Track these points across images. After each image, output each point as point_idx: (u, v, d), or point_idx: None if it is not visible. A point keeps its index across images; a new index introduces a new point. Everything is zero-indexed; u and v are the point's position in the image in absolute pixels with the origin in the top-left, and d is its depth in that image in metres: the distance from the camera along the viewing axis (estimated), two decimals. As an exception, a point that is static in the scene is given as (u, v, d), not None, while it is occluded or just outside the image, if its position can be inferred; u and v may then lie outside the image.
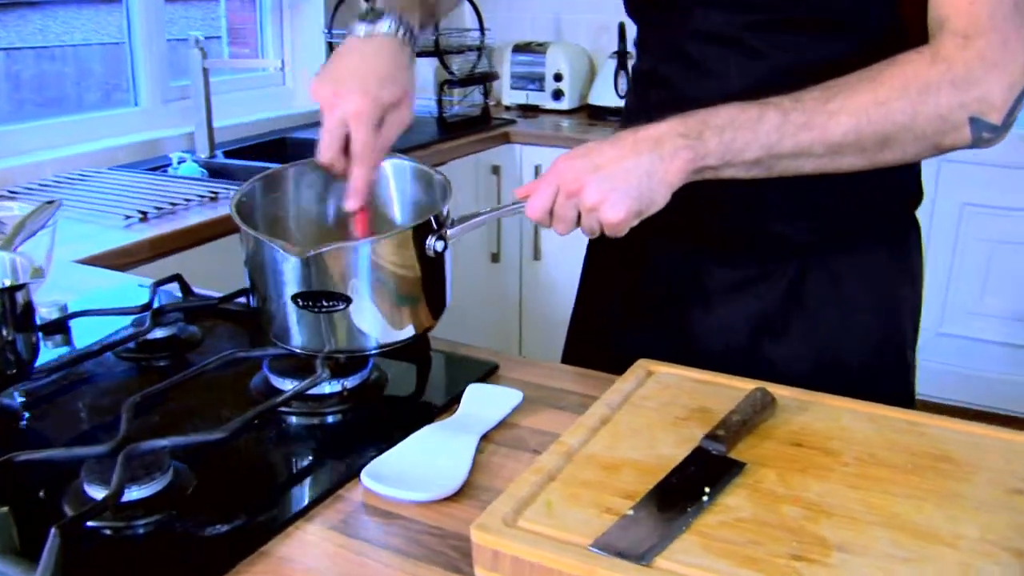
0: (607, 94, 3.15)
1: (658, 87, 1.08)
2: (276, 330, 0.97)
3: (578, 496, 0.78)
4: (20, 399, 0.96)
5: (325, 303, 0.90)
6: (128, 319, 1.14)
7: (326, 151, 0.98)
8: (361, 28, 1.02)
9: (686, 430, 0.89)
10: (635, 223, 0.90)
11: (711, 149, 0.88)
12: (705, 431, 0.88)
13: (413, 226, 0.93)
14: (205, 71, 2.39)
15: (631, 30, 3.14)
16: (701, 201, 0.91)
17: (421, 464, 0.85)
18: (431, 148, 2.66)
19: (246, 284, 1.01)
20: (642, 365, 1.01)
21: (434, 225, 0.95)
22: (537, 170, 2.92)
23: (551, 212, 0.91)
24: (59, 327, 1.12)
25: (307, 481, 0.84)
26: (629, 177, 0.87)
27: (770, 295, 1.07)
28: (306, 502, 0.80)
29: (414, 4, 1.06)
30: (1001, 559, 0.70)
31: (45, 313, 1.13)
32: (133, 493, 0.76)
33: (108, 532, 0.74)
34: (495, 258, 2.93)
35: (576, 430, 0.88)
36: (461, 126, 2.90)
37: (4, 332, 0.90)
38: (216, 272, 1.73)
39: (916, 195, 1.10)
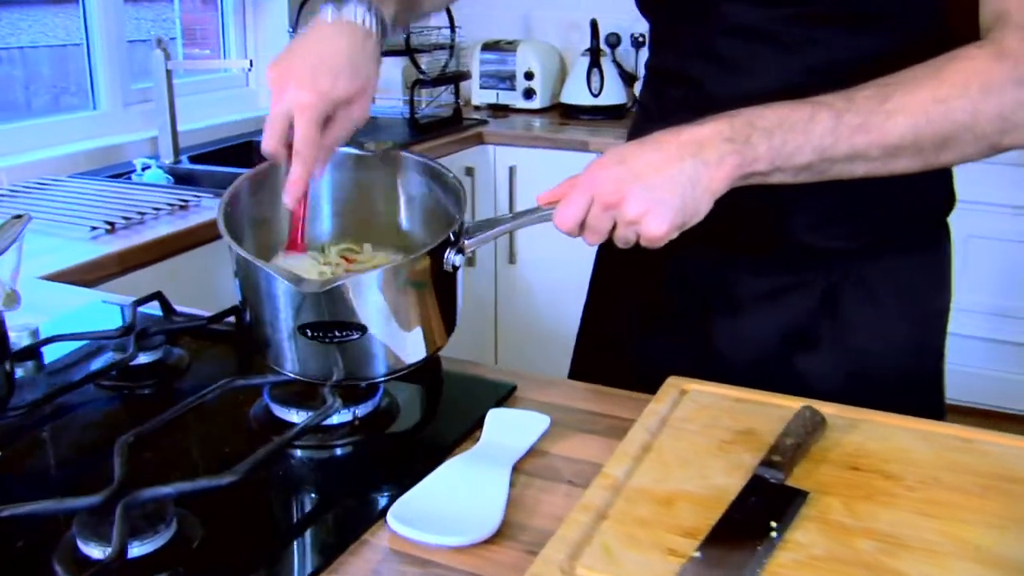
0: (580, 93, 3.08)
1: (679, 85, 1.00)
2: (273, 355, 0.88)
3: (636, 537, 0.70)
4: (-6, 438, 0.87)
5: (338, 334, 0.82)
6: (107, 343, 1.04)
7: (267, 140, 0.91)
8: (328, 11, 0.93)
9: (735, 455, 0.82)
10: (675, 236, 0.83)
11: (760, 154, 0.81)
12: (755, 455, 0.82)
13: (433, 247, 0.85)
14: (168, 73, 2.28)
15: (604, 27, 3.09)
16: (728, 207, 0.84)
17: (451, 502, 0.77)
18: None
19: (236, 300, 0.91)
20: (674, 384, 0.94)
21: (451, 237, 0.87)
22: (512, 171, 2.85)
23: (582, 222, 0.84)
24: (31, 353, 1.03)
25: (327, 526, 0.76)
26: (673, 186, 0.80)
27: (803, 305, 1.00)
28: (330, 552, 0.71)
29: None
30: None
31: (15, 338, 1.03)
32: (134, 549, 0.67)
33: (109, 597, 0.65)
34: (469, 262, 2.85)
35: (619, 460, 0.80)
36: (433, 127, 2.82)
37: (-24, 365, 0.80)
38: (191, 286, 1.64)
39: (949, 199, 1.04)
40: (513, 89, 3.21)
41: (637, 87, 3.14)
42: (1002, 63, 0.80)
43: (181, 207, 1.83)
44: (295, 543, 0.73)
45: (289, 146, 0.90)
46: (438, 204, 0.97)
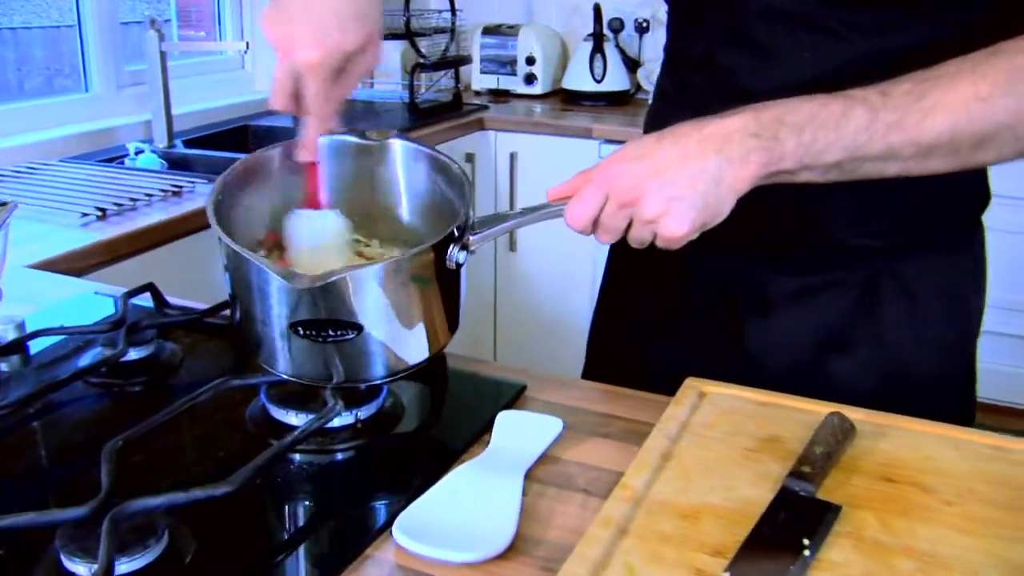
0: (582, 78, 3.03)
1: (705, 72, 0.94)
2: (265, 355, 0.83)
3: (660, 555, 0.66)
4: (-27, 441, 0.82)
5: (332, 332, 0.77)
6: (96, 337, 0.99)
7: (276, 99, 0.87)
8: None
9: (761, 465, 0.78)
10: (695, 236, 0.78)
11: (788, 151, 0.76)
12: (782, 464, 0.77)
13: (435, 242, 0.80)
14: (163, 54, 2.22)
15: (607, 12, 3.03)
16: (754, 203, 0.79)
17: (461, 513, 0.72)
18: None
19: (227, 295, 0.86)
20: (692, 386, 0.90)
21: (455, 233, 0.81)
22: (513, 158, 2.79)
23: (595, 220, 0.79)
24: (16, 348, 0.98)
25: (328, 540, 0.71)
26: (695, 184, 0.75)
27: (837, 306, 0.95)
28: (332, 567, 0.66)
29: None
30: None
31: (-1, 332, 0.98)
32: (122, 566, 0.62)
33: (94, 618, 0.60)
34: (469, 250, 2.79)
35: (638, 469, 0.76)
36: (433, 112, 2.76)
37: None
38: (184, 275, 1.59)
39: (984, 196, 0.99)
40: (514, 74, 3.15)
41: (640, 73, 3.09)
42: None
43: (174, 193, 1.77)
44: (294, 557, 0.69)
45: (299, 97, 0.86)
46: (442, 197, 0.92)
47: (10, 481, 0.78)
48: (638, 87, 3.11)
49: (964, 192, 0.96)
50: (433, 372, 0.95)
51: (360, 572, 0.67)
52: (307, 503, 0.75)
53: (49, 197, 1.72)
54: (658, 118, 1.02)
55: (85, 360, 0.96)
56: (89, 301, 1.16)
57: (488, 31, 3.15)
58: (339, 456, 0.81)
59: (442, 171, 0.92)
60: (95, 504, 0.65)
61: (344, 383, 0.81)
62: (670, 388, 0.92)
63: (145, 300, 1.07)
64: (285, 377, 0.82)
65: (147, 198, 1.73)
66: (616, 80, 3.02)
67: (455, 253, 0.81)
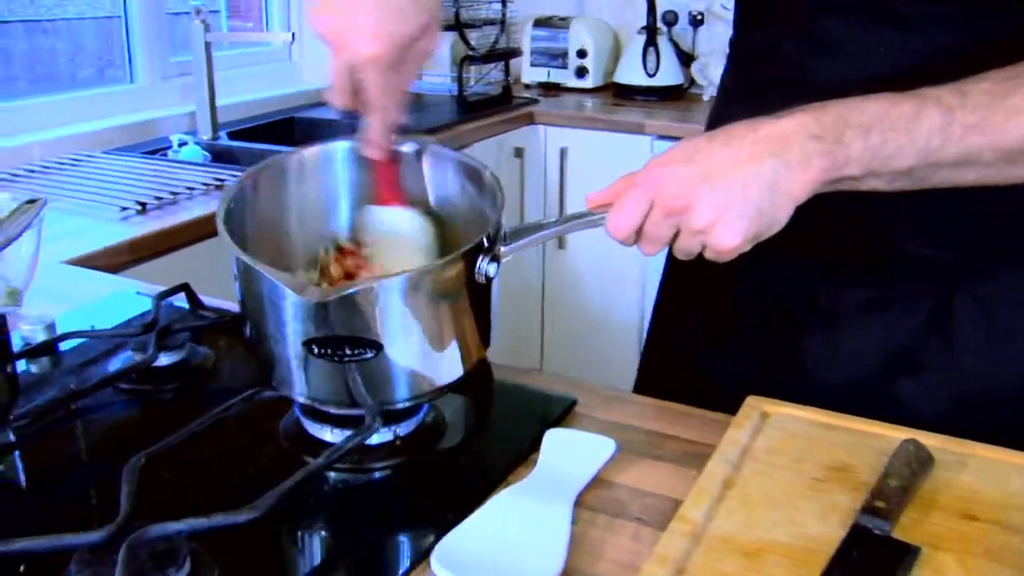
0: (634, 72, 2.96)
1: (772, 65, 0.88)
2: (279, 377, 0.76)
3: (722, 601, 0.60)
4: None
5: (350, 351, 0.71)
6: (127, 339, 0.96)
7: (335, 97, 0.81)
8: None
9: (829, 496, 0.72)
10: (747, 248, 0.71)
11: (853, 155, 0.69)
12: (852, 497, 0.71)
13: (462, 252, 0.73)
14: (208, 45, 2.19)
15: (661, 4, 2.95)
16: (815, 209, 0.72)
17: (504, 543, 0.66)
18: (453, 129, 2.46)
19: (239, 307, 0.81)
20: (754, 405, 0.84)
21: (485, 243, 0.75)
22: (563, 153, 2.73)
23: (639, 230, 0.73)
24: (46, 349, 0.94)
25: (362, 569, 0.66)
26: (748, 191, 0.68)
27: (907, 322, 0.88)
28: (364, 604, 0.61)
29: None
30: None
31: (28, 332, 0.95)
32: (139, 597, 0.58)
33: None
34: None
35: (698, 499, 0.70)
36: (482, 105, 2.70)
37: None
38: (223, 271, 1.54)
39: None
40: (565, 67, 3.09)
41: (694, 67, 3.01)
42: None
43: (217, 187, 1.74)
44: (325, 590, 0.64)
45: (357, 93, 0.81)
46: (472, 205, 0.86)
47: (32, 493, 0.74)
48: (692, 81, 3.03)
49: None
50: (478, 384, 0.90)
51: (394, 607, 0.62)
52: (339, 528, 0.70)
53: (89, 190, 1.69)
54: (720, 115, 0.96)
55: (115, 364, 0.92)
56: (123, 300, 1.12)
57: (539, 23, 3.09)
58: (375, 475, 0.76)
59: (472, 177, 0.85)
60: (112, 529, 0.60)
61: (367, 407, 0.75)
62: (725, 404, 0.86)
63: (180, 300, 1.03)
64: (301, 401, 0.77)
65: (188, 191, 1.70)
66: (669, 74, 2.94)
67: (484, 265, 0.74)
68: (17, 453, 0.79)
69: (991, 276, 0.86)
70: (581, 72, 3.06)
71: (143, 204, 1.60)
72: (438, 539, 0.66)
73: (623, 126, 2.67)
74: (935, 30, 0.78)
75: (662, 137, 2.59)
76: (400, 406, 0.77)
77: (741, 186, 0.68)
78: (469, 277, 0.73)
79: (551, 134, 2.76)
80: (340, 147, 0.87)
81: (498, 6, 2.83)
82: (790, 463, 0.76)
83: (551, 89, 3.09)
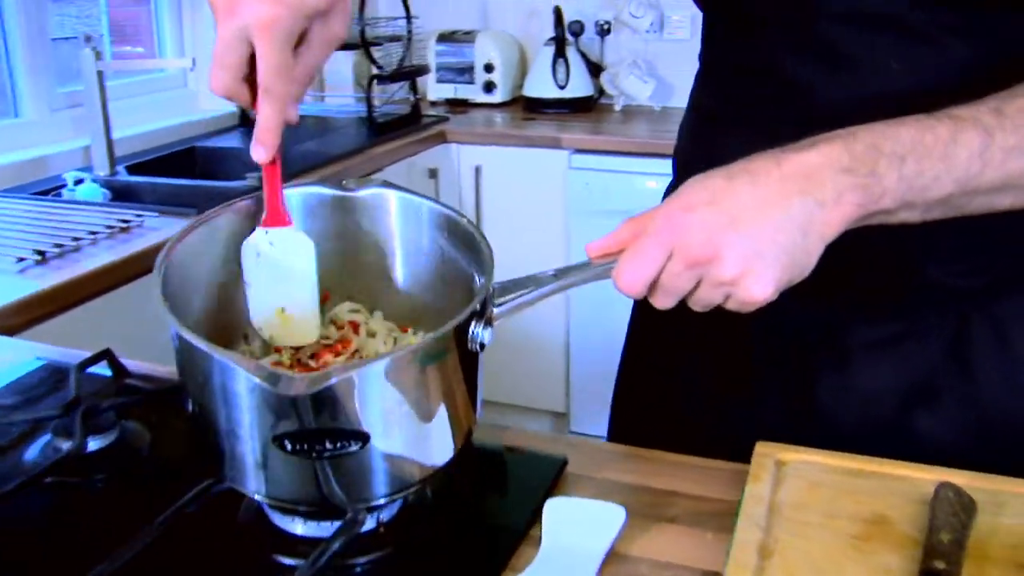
0: (544, 85, 2.89)
1: (767, 84, 0.79)
2: (232, 472, 0.65)
3: None
4: None
5: (330, 445, 0.60)
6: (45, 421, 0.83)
7: (217, 77, 0.68)
8: None
9: (875, 557, 0.65)
10: (774, 298, 0.64)
11: (888, 187, 0.62)
12: (899, 555, 0.65)
13: (459, 321, 0.63)
14: (100, 74, 2.03)
15: (568, 14, 2.90)
16: (837, 244, 0.65)
17: (527, 648, 0.57)
18: (365, 153, 2.34)
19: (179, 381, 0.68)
20: (766, 453, 0.76)
21: (477, 307, 0.65)
22: (478, 172, 2.65)
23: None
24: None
25: None
26: (778, 235, 0.61)
27: (923, 354, 0.81)
28: None
29: None
30: None
31: (-76, 421, 0.82)
32: None
33: None
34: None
35: (737, 573, 0.62)
36: (392, 126, 2.60)
37: None
38: (138, 324, 1.40)
39: None
40: (472, 82, 3.00)
41: (604, 78, 2.96)
42: None
43: (122, 229, 1.60)
44: None
45: (250, 82, 0.68)
46: (444, 257, 0.76)
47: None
48: (601, 92, 2.98)
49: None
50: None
51: None
52: (329, 642, 0.60)
53: (-21, 239, 1.54)
54: (701, 140, 0.88)
55: (32, 453, 0.80)
56: (26, 369, 0.98)
57: (443, 38, 3.00)
58: (358, 571, 0.66)
59: (445, 227, 0.76)
60: None
61: (342, 504, 0.64)
62: (726, 450, 0.79)
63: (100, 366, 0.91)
64: (259, 500, 0.66)
65: (91, 236, 1.55)
66: (580, 86, 2.89)
67: (478, 332, 0.64)
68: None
69: (1008, 301, 0.80)
70: (489, 87, 2.98)
71: (42, 253, 1.45)
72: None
73: (538, 141, 2.60)
74: (952, 45, 0.71)
75: (580, 151, 2.53)
76: (383, 502, 0.66)
77: (771, 230, 0.60)
78: (461, 347, 0.64)
79: (464, 152, 2.67)
80: (293, 194, 0.77)
81: (402, 22, 2.73)
82: (823, 520, 0.68)
83: (458, 105, 3.01)
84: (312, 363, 0.75)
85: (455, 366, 0.63)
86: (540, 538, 0.69)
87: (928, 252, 0.78)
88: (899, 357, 0.81)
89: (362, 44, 2.52)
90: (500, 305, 0.65)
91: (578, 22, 2.96)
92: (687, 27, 2.89)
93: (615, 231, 0.65)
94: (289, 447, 0.59)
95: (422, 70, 2.82)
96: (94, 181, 1.94)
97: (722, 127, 0.83)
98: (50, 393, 0.91)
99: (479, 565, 0.66)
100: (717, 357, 0.90)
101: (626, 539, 0.70)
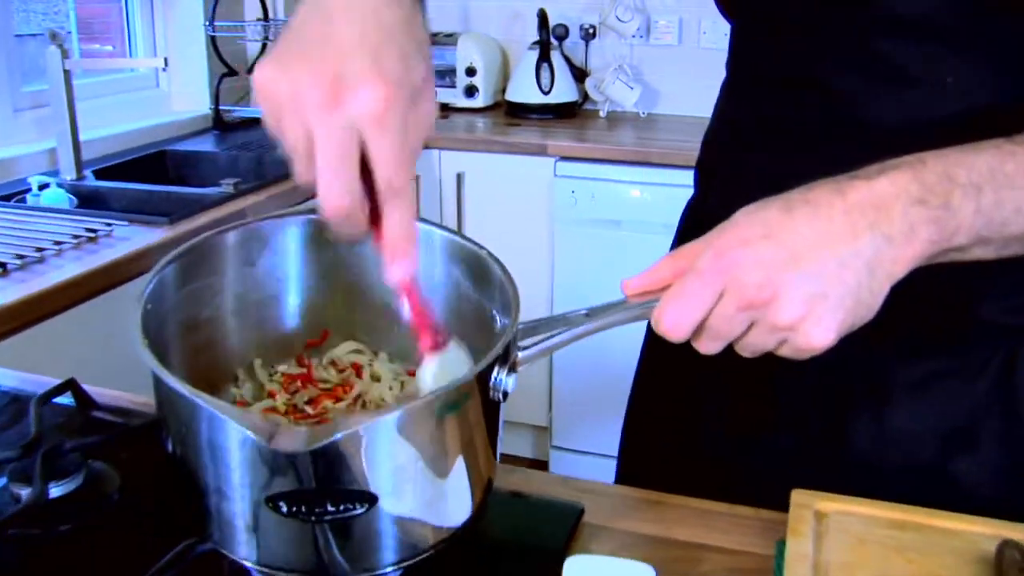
0: (528, 90, 2.82)
1: (811, 99, 0.72)
2: (219, 534, 0.57)
3: None
4: None
5: (332, 508, 0.52)
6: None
7: (341, 193, 0.52)
8: None
9: (938, 628, 0.58)
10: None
11: (963, 221, 0.56)
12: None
13: (481, 367, 0.56)
14: (67, 73, 1.94)
15: (553, 17, 2.83)
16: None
17: None
18: (344, 159, 2.26)
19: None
20: (803, 503, 0.69)
21: (500, 351, 0.57)
22: (460, 179, 2.57)
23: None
24: None
25: None
26: (844, 275, 0.54)
27: (967, 394, 0.75)
28: None
29: None
30: None
31: None
32: None
33: None
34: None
35: (792, 654, 0.55)
36: (371, 131, 2.51)
37: None
38: (105, 342, 1.32)
39: None
40: (452, 86, 2.92)
41: (588, 83, 2.90)
42: None
43: (89, 239, 1.51)
44: None
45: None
46: (460, 292, 0.69)
47: None
48: (585, 97, 2.92)
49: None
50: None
51: None
52: None
53: (-65, 249, 1.44)
54: (729, 154, 0.81)
55: (-9, 507, 0.71)
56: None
57: (424, 41, 2.92)
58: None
59: (461, 259, 0.68)
60: None
61: (348, 575, 0.56)
62: (742, 492, 0.75)
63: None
64: (250, 567, 0.58)
65: (56, 247, 1.46)
66: (564, 91, 2.82)
67: (502, 379, 0.57)
68: None
69: None
70: (470, 91, 2.91)
71: (3, 265, 1.36)
72: None
73: (523, 148, 2.52)
74: (1012, 59, 0.64)
75: (566, 159, 2.46)
76: (391, 571, 0.58)
77: (836, 269, 0.54)
78: (483, 396, 0.56)
79: (446, 158, 2.60)
80: (291, 222, 0.69)
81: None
82: (876, 584, 0.62)
83: (439, 110, 2.92)
84: (309, 409, 0.68)
85: (476, 418, 0.56)
86: (561, 604, 0.61)
87: (983, 287, 0.71)
88: (940, 396, 0.75)
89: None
90: (525, 349, 0.58)
91: (563, 25, 2.90)
92: (674, 32, 2.83)
93: (655, 266, 0.58)
94: (285, 509, 0.51)
95: (404, 73, 2.74)
96: (60, 186, 1.85)
97: (754, 141, 0.77)
98: (8, 427, 0.83)
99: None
100: (737, 392, 0.83)
101: (655, 603, 0.63)
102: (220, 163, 2.27)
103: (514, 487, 0.76)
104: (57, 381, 0.86)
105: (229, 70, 2.59)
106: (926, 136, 0.59)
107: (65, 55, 1.94)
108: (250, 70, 2.67)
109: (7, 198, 1.82)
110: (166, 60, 2.01)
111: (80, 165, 1.99)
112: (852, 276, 0.54)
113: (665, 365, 0.91)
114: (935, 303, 0.72)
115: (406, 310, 0.58)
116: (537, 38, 2.81)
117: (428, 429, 0.53)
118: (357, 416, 0.51)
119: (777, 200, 0.56)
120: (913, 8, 0.65)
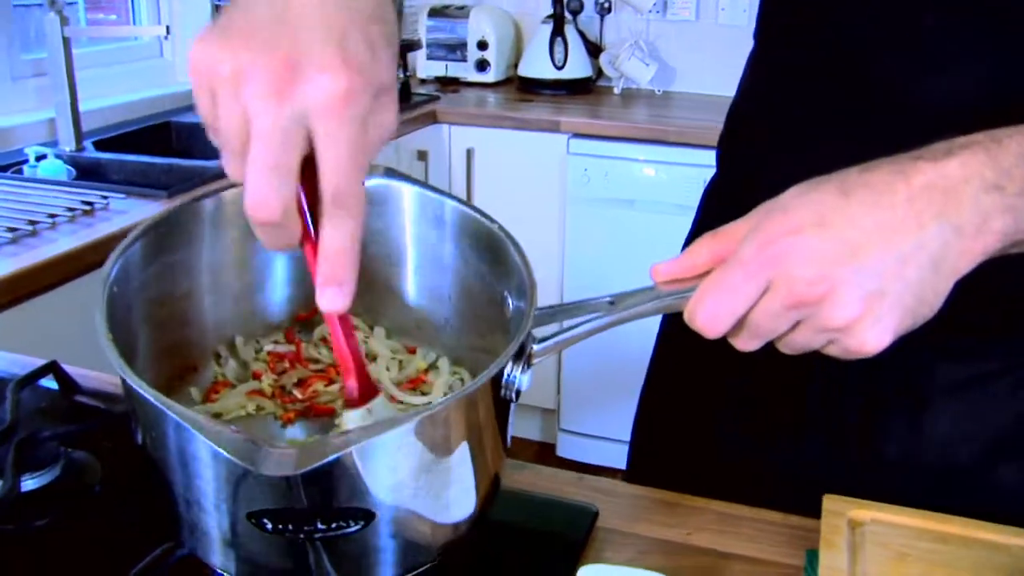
0: (540, 64, 2.75)
1: (847, 80, 0.66)
2: (196, 542, 0.52)
3: None
4: None
5: (323, 525, 0.47)
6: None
7: (274, 191, 0.44)
8: None
9: (988, 655, 0.53)
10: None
11: None
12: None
13: (497, 369, 0.50)
14: (66, 40, 1.88)
15: (567, -10, 2.76)
16: None
17: None
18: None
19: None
20: (836, 511, 0.64)
21: (516, 348, 0.52)
22: (470, 155, 2.51)
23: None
24: None
25: None
26: (907, 270, 0.48)
27: (1011, 397, 0.69)
28: None
29: None
30: None
31: None
32: None
33: None
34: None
35: None
36: (380, 104, 2.45)
37: None
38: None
39: None
40: (464, 60, 2.86)
41: (603, 59, 2.83)
42: None
43: (86, 212, 1.46)
44: None
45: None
46: (469, 269, 0.63)
47: None
48: (599, 73, 2.85)
49: None
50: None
51: None
52: None
53: (-75, 220, 1.39)
54: (755, 135, 0.75)
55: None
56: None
57: (434, 13, 2.85)
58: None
59: (473, 234, 0.63)
60: None
61: None
62: (763, 494, 0.70)
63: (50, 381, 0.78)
64: None
65: (50, 219, 1.41)
66: (578, 66, 2.75)
67: (515, 376, 0.51)
68: None
69: None
70: (482, 65, 2.84)
71: (-7, 237, 1.31)
72: None
73: (535, 124, 2.46)
74: None
75: (579, 135, 2.40)
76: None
77: (896, 264, 0.48)
78: (494, 395, 0.51)
79: (456, 134, 2.54)
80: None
81: (393, -6, 2.58)
82: (918, 602, 0.57)
83: (449, 84, 2.86)
84: (298, 393, 0.63)
85: (487, 420, 0.51)
86: (573, 617, 0.57)
87: None
88: (984, 400, 0.69)
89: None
90: (542, 342, 0.52)
91: (577, 0, 2.83)
92: (692, 7, 2.76)
93: (691, 249, 0.52)
94: (270, 526, 0.46)
95: (412, 45, 2.68)
96: (58, 157, 1.80)
97: (785, 123, 0.71)
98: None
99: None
100: (761, 387, 0.78)
101: (675, 618, 0.58)
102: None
103: (523, 485, 0.71)
104: (42, 362, 0.81)
105: (235, 40, 2.53)
106: (973, 117, 0.53)
107: (64, 22, 1.88)
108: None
109: (3, 168, 1.76)
110: (168, 28, 1.95)
111: (80, 136, 1.93)
112: (914, 272, 0.48)
113: (682, 355, 0.86)
114: (986, 299, 0.66)
115: (333, 347, 0.52)
116: (551, 11, 2.74)
117: (432, 440, 0.48)
118: (353, 433, 0.45)
119: (833, 180, 0.50)
120: None
